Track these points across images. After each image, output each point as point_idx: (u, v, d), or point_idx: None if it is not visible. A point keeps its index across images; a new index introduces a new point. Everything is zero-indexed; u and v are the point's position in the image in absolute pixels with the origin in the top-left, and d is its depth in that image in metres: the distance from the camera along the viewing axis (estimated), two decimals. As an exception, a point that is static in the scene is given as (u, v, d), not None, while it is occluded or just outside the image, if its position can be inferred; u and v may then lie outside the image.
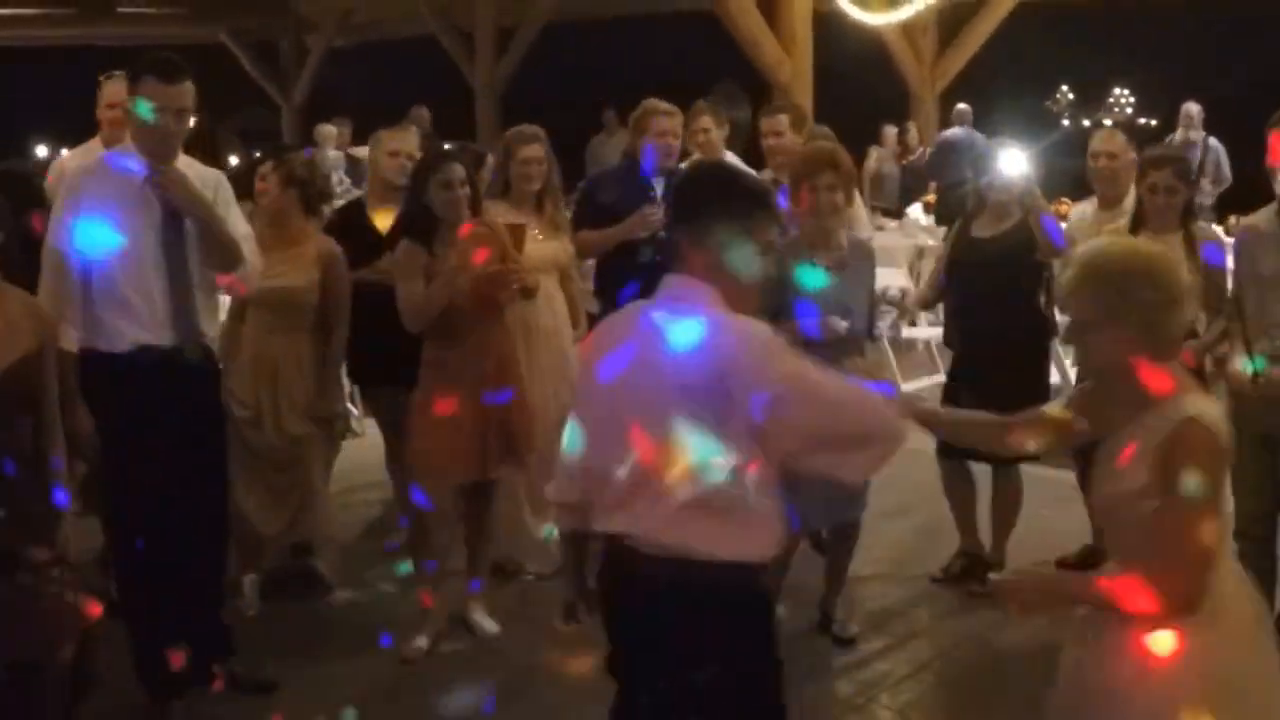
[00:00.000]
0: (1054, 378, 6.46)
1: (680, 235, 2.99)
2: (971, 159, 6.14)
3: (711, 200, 2.99)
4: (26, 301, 4.12)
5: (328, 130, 14.43)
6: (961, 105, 14.16)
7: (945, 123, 14.19)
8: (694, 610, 2.85)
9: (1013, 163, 5.46)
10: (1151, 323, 2.80)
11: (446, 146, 10.65)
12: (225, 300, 5.32)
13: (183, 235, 4.43)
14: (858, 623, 5.36)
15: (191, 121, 4.46)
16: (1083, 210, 6.03)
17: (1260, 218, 4.87)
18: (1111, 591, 2.76)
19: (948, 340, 5.94)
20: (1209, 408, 2.82)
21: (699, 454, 2.78)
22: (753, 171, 6.74)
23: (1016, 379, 5.23)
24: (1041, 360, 5.75)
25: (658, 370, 2.84)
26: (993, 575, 3.02)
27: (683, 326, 2.82)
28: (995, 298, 5.47)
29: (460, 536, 5.35)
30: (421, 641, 5.13)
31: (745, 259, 2.92)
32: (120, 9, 17.40)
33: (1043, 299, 5.60)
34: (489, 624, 5.35)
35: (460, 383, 4.96)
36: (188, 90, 4.35)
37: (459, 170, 5.02)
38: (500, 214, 5.49)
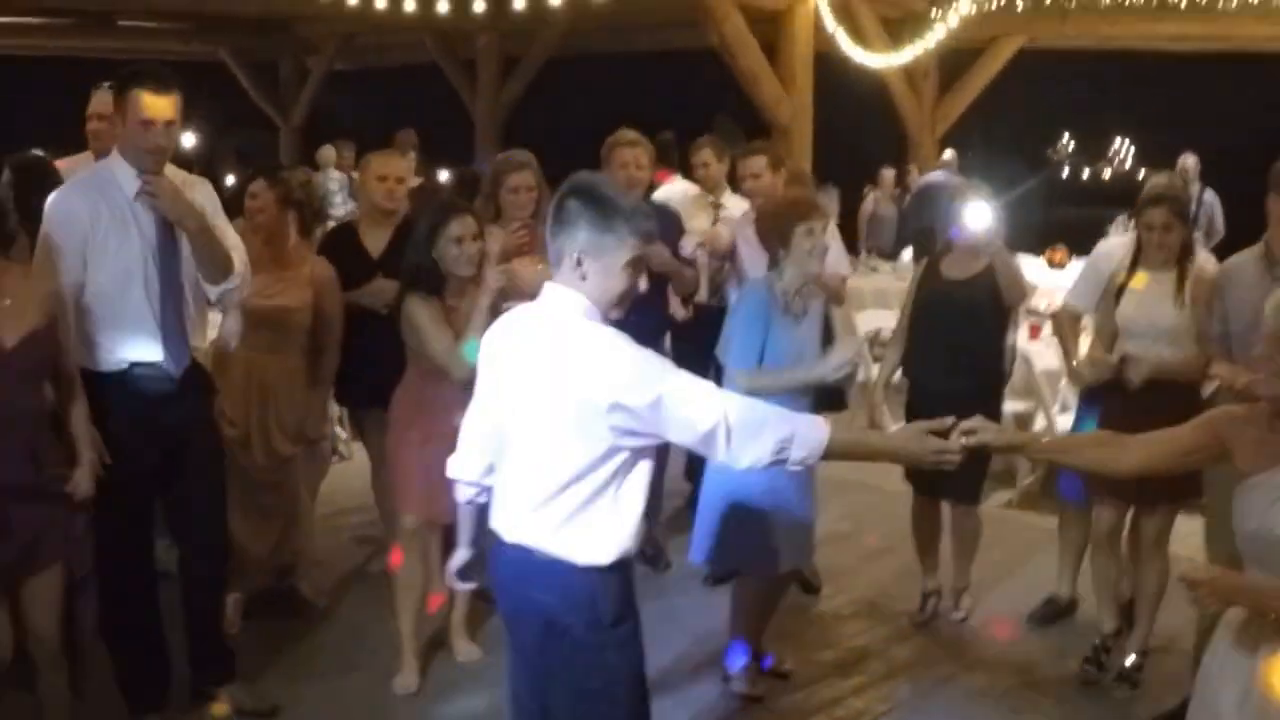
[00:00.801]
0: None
1: (556, 245, 3.17)
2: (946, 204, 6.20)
3: (577, 211, 3.12)
4: (33, 278, 4.12)
5: (328, 153, 14.43)
6: (948, 152, 14.25)
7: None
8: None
9: (978, 217, 5.53)
10: None
11: (445, 174, 10.58)
12: (214, 318, 5.26)
13: (176, 248, 4.39)
14: (836, 659, 5.46)
15: (180, 135, 4.44)
16: (1110, 245, 5.97)
17: (1245, 257, 4.95)
18: None
19: (906, 370, 5.89)
20: None
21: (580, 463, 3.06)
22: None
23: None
24: (994, 401, 5.75)
25: (542, 379, 3.12)
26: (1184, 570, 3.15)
27: (561, 336, 3.11)
28: (958, 336, 5.55)
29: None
30: (411, 680, 5.08)
31: (608, 269, 3.12)
32: (121, 22, 17.36)
33: (1011, 339, 5.74)
34: (471, 650, 5.31)
35: (446, 424, 4.87)
36: (175, 101, 4.30)
37: (470, 224, 4.87)
38: (495, 238, 5.43)
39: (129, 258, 4.32)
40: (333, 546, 6.51)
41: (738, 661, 5.09)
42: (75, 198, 4.35)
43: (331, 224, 7.97)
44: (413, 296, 4.85)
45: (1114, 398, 5.21)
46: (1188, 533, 5.50)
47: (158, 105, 4.25)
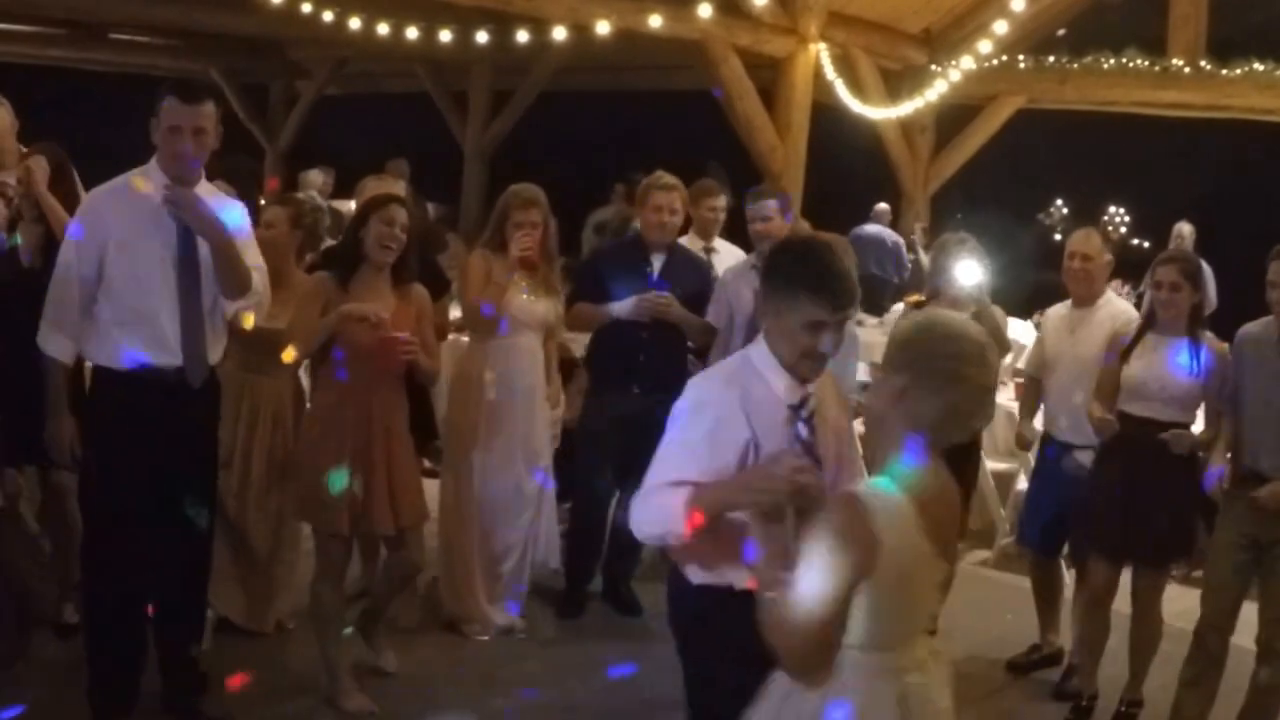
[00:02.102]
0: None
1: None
2: (877, 256, 6.22)
3: None
4: None
5: (313, 176, 14.20)
6: (881, 205, 14.62)
7: (934, 222, 14.09)
8: None
9: (968, 274, 5.73)
10: None
11: (431, 206, 10.53)
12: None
13: (196, 259, 4.49)
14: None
15: (213, 146, 4.50)
16: (1058, 311, 6.14)
17: (1258, 327, 5.01)
18: None
19: None
20: None
21: None
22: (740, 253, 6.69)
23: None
24: (973, 450, 5.97)
25: None
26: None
27: None
28: None
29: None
30: (363, 701, 5.08)
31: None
32: (112, 35, 17.25)
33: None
34: (388, 658, 5.40)
35: (343, 437, 4.92)
36: (208, 112, 4.44)
37: (403, 215, 4.99)
38: (496, 268, 5.74)
39: (149, 262, 4.43)
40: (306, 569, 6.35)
41: None
42: (102, 198, 4.52)
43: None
44: (320, 271, 5.18)
45: (1114, 459, 5.32)
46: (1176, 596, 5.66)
47: (188, 114, 4.38)
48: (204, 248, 4.48)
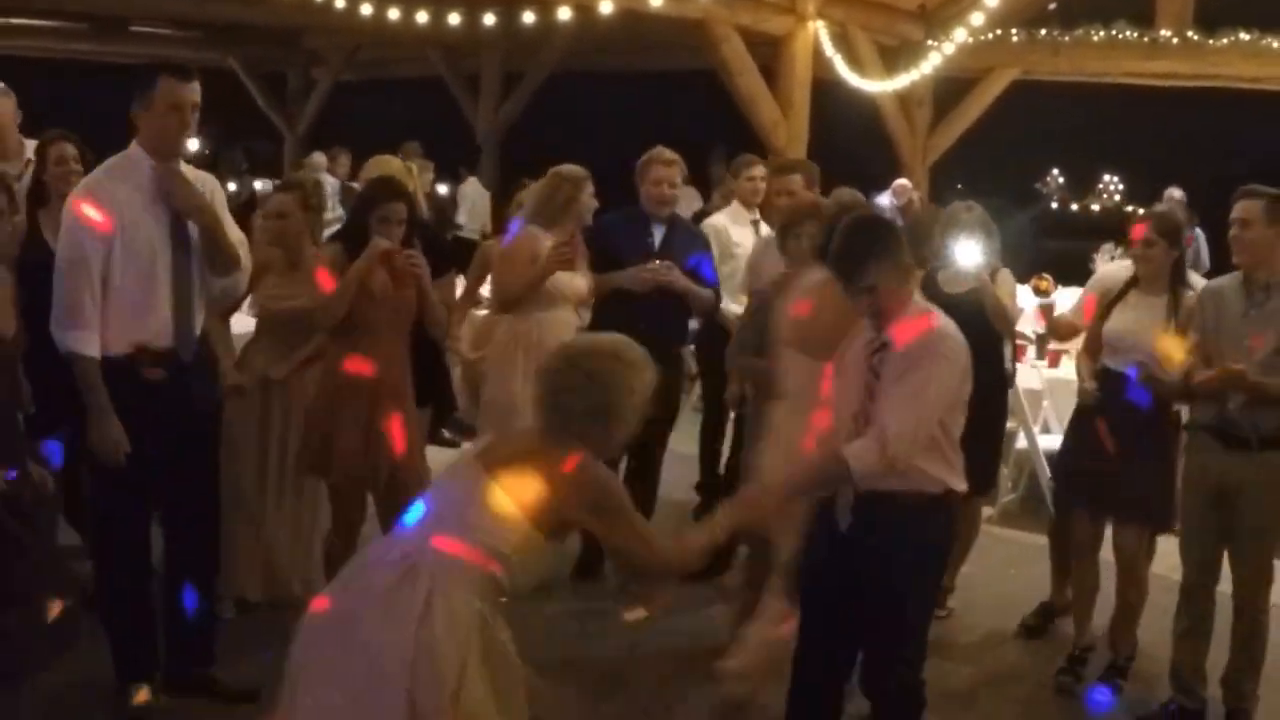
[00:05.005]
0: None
1: None
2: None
3: None
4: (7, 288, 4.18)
5: (318, 158, 14.56)
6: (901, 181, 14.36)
7: (934, 194, 14.41)
8: None
9: (967, 255, 5.69)
10: None
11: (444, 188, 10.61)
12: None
13: (187, 238, 4.54)
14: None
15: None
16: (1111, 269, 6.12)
17: (1224, 283, 5.07)
18: None
19: None
20: None
21: None
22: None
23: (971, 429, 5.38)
24: (997, 428, 6.02)
25: None
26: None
27: None
28: None
29: None
30: None
31: None
32: (133, 28, 17.59)
33: (1007, 352, 5.91)
34: None
35: (358, 388, 4.99)
36: (198, 89, 4.51)
37: (400, 210, 5.06)
38: (544, 240, 5.83)
39: (148, 243, 4.44)
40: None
41: None
42: (105, 184, 4.48)
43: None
44: (333, 243, 5.22)
45: (1091, 413, 5.41)
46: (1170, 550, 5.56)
47: (185, 91, 4.45)
48: (193, 228, 4.52)
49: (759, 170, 7.39)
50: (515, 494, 3.29)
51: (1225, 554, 5.05)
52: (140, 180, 4.47)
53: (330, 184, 14.11)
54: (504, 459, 3.38)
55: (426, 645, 3.18)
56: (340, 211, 13.09)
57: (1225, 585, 5.11)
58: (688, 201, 9.01)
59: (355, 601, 3.30)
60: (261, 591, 5.63)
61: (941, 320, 3.97)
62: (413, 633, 3.18)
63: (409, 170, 6.67)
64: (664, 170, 6.30)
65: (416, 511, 3.43)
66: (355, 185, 13.25)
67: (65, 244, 4.42)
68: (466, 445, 6.19)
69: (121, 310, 4.41)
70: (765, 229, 7.08)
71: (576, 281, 6.01)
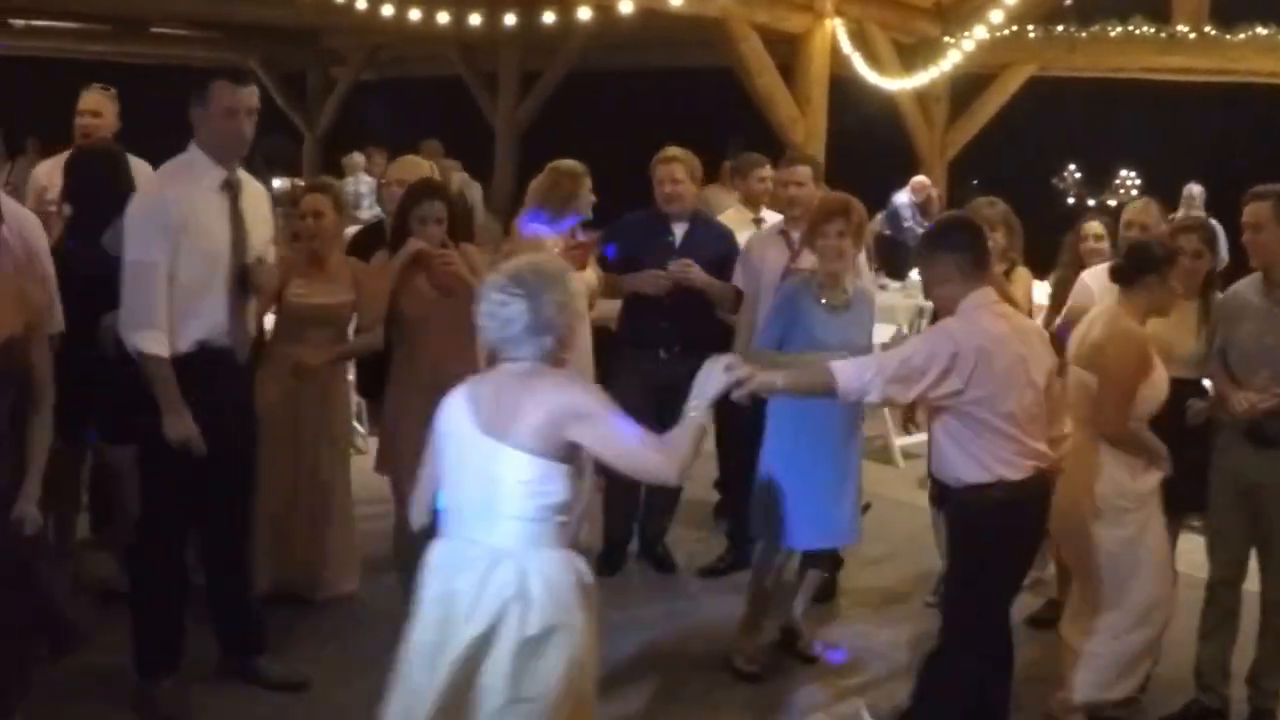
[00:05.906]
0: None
1: None
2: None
3: None
4: (13, 285, 4.20)
5: (356, 159, 14.86)
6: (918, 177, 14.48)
7: (952, 190, 14.44)
8: None
9: None
10: None
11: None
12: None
13: (245, 244, 4.63)
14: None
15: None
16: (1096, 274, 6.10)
17: (1244, 285, 5.09)
18: None
19: None
20: None
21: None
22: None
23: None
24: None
25: None
26: None
27: None
28: None
29: None
30: None
31: None
32: (154, 29, 17.69)
33: None
34: None
35: (423, 386, 4.99)
36: (255, 92, 4.60)
37: (439, 208, 5.23)
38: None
39: (215, 247, 4.54)
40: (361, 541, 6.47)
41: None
42: (169, 188, 4.55)
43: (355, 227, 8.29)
44: (383, 250, 5.42)
45: None
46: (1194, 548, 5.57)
47: (241, 95, 4.51)
48: (253, 244, 4.64)
49: (767, 171, 7.30)
50: (524, 445, 3.37)
51: (1252, 553, 5.07)
52: (199, 179, 4.53)
53: (366, 183, 14.30)
54: (503, 421, 3.40)
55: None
56: (377, 210, 13.25)
57: (1249, 584, 5.12)
58: (717, 200, 8.96)
59: None
60: (270, 584, 5.67)
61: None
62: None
63: (432, 170, 6.76)
64: (664, 168, 6.30)
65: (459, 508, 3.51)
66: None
67: (132, 246, 4.45)
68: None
69: (185, 308, 4.48)
70: (767, 223, 7.01)
71: (586, 276, 6.00)
